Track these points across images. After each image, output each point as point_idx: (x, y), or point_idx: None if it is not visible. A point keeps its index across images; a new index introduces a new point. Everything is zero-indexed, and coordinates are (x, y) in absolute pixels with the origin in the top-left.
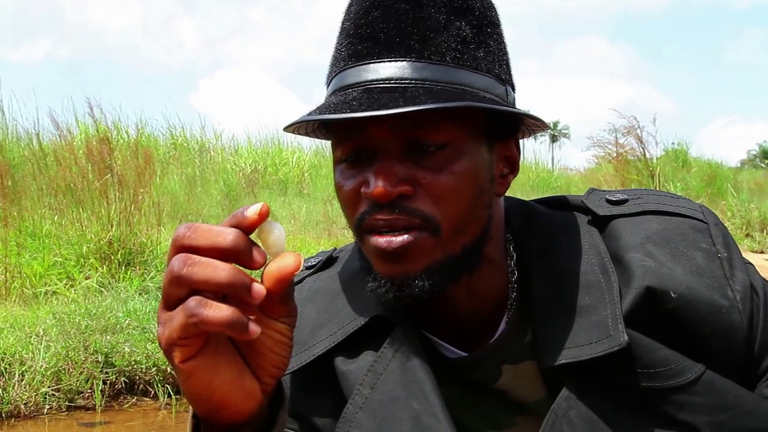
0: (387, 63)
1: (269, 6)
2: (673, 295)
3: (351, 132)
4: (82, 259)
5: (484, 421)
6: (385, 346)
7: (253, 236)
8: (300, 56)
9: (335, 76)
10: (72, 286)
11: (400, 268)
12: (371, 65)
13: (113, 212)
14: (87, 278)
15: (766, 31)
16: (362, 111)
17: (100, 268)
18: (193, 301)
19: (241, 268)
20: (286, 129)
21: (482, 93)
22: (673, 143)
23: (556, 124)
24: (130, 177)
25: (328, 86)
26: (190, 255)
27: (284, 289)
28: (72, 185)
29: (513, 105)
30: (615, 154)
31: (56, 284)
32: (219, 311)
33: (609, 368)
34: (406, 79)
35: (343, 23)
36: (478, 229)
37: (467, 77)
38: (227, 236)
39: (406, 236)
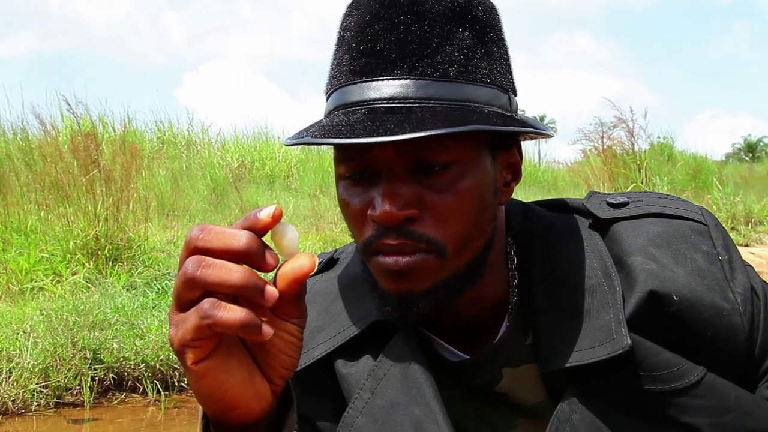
0: (390, 81)
1: (256, 0)
2: (675, 298)
3: (355, 152)
4: (68, 255)
5: (485, 424)
6: (385, 350)
7: (265, 238)
8: (286, 51)
9: (336, 90)
10: (59, 282)
11: (406, 286)
12: (374, 83)
13: (100, 208)
14: (74, 274)
15: (752, 25)
16: (367, 136)
17: (87, 264)
18: (206, 303)
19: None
20: (288, 144)
21: (487, 107)
22: (658, 137)
23: (543, 118)
24: (117, 172)
25: (327, 97)
26: (204, 257)
27: (298, 291)
28: (58, 180)
29: (516, 112)
30: (603, 148)
31: (43, 280)
32: (233, 313)
33: (611, 372)
34: (410, 99)
35: (342, 33)
36: (482, 243)
37: (472, 91)
38: (240, 239)
39: (412, 257)
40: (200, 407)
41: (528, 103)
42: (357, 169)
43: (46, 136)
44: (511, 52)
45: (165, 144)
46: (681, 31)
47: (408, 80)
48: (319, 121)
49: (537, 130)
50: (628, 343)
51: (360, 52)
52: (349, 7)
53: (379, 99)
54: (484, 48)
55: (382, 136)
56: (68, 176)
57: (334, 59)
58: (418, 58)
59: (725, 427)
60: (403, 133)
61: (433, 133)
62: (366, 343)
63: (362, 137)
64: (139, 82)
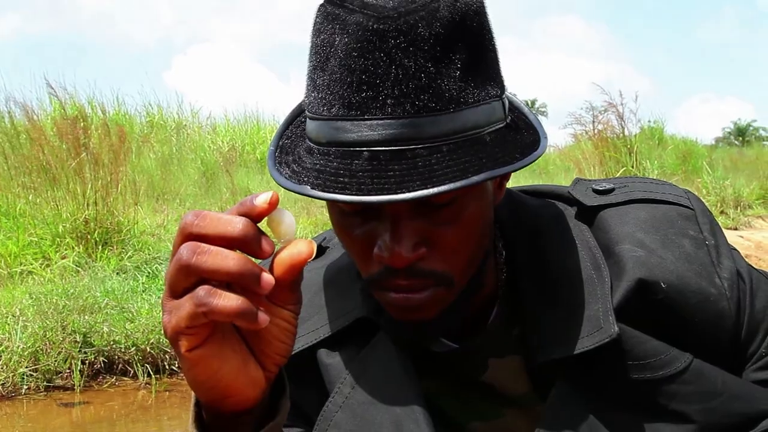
0: (389, 120)
1: None
2: (663, 286)
3: None
4: (58, 239)
5: (471, 413)
6: (369, 345)
7: (261, 224)
8: (276, 34)
9: (328, 120)
10: (48, 266)
11: (416, 316)
12: (373, 122)
13: (89, 191)
14: (63, 258)
15: (741, 10)
16: (376, 193)
17: (76, 248)
18: (202, 291)
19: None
20: (284, 186)
21: (488, 130)
22: (649, 121)
23: (533, 102)
24: (106, 156)
25: (313, 118)
26: (199, 243)
27: (294, 278)
28: (46, 164)
29: (508, 115)
30: (594, 132)
31: (32, 264)
32: (229, 301)
33: (600, 362)
34: (413, 140)
35: (325, 52)
36: (482, 255)
37: (473, 116)
38: (236, 225)
39: (422, 294)
40: (192, 394)
41: (519, 88)
42: (357, 207)
43: (32, 119)
44: (501, 36)
45: (154, 127)
46: (669, 16)
47: (408, 119)
48: (311, 152)
49: (533, 157)
50: (616, 331)
51: (353, 83)
52: (330, 24)
53: (381, 141)
54: (480, 62)
55: (390, 193)
56: (56, 160)
57: (318, 79)
58: (416, 93)
59: (714, 411)
60: (411, 189)
61: (444, 189)
62: (350, 336)
63: (370, 195)
64: (127, 65)
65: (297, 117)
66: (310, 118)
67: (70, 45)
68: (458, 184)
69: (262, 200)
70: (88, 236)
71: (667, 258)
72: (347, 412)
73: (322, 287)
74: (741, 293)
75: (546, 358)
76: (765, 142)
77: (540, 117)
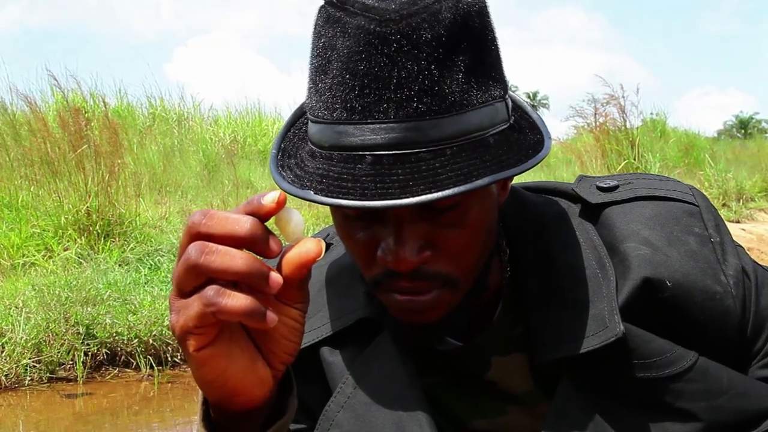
0: (392, 124)
1: None
2: (668, 284)
3: None
4: (60, 231)
5: (474, 411)
6: (372, 345)
7: (268, 223)
8: (277, 25)
9: (330, 123)
10: (50, 257)
11: (422, 319)
12: (376, 126)
13: (90, 183)
14: (65, 249)
15: (742, 1)
16: (379, 198)
17: (78, 240)
18: (210, 290)
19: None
20: (287, 191)
21: (491, 132)
22: (651, 113)
23: (535, 95)
24: (106, 148)
25: (315, 121)
26: (207, 243)
27: (303, 276)
28: (47, 156)
29: (511, 115)
30: (596, 124)
31: (34, 256)
32: (237, 300)
33: (604, 360)
34: (417, 144)
35: (326, 55)
36: (487, 255)
37: (476, 118)
38: (244, 224)
39: (427, 296)
40: (200, 392)
41: (521, 80)
42: (360, 212)
43: (33, 112)
44: (502, 28)
45: (156, 119)
46: (670, 6)
47: (411, 122)
48: (313, 155)
49: (537, 159)
50: (621, 330)
51: (356, 87)
52: (331, 26)
53: (384, 145)
54: (483, 63)
55: (393, 198)
56: (58, 151)
57: (320, 82)
58: (419, 96)
59: (720, 409)
60: (415, 194)
61: (448, 193)
62: (352, 335)
63: (373, 200)
64: (129, 57)
65: (299, 118)
66: (313, 122)
67: (70, 37)
68: (462, 188)
69: (269, 199)
70: (91, 228)
71: (673, 256)
72: (349, 413)
73: (324, 285)
74: (746, 291)
75: (551, 357)
76: (767, 135)
77: (542, 109)
